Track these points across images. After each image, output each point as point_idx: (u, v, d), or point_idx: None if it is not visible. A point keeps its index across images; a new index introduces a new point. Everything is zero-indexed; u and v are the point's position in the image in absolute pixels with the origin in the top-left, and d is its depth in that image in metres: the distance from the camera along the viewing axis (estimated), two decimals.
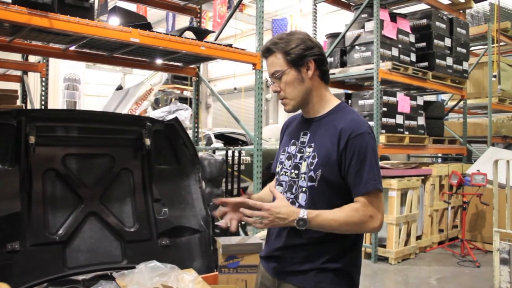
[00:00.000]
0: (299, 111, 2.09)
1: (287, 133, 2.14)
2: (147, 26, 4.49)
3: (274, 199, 1.90)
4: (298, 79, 1.92)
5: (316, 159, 1.88)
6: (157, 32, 4.56)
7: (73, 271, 3.04)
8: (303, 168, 1.92)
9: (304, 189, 1.90)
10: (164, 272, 2.88)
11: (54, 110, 3.48)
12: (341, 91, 7.75)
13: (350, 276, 1.92)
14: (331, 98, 2.02)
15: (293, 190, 1.94)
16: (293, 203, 1.92)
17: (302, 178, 1.91)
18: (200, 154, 3.87)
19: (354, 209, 1.81)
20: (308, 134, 1.98)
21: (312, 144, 1.93)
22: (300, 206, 1.88)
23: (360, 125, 1.87)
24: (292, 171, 1.97)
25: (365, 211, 1.81)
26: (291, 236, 1.90)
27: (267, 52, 1.97)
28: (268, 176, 9.01)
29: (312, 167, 1.88)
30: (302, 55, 1.91)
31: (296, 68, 1.92)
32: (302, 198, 1.91)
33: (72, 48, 5.10)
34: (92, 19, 4.09)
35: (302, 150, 1.96)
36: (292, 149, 2.02)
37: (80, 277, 3.09)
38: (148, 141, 3.30)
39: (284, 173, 2.01)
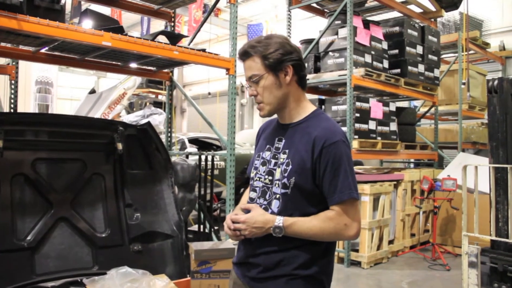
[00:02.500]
0: (275, 116, 2.09)
1: (262, 138, 2.11)
2: (119, 30, 4.45)
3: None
4: (275, 84, 1.89)
5: (290, 166, 1.86)
6: (129, 36, 4.52)
7: (41, 278, 2.99)
8: (277, 174, 1.91)
9: (277, 195, 1.89)
10: (136, 278, 2.85)
11: (23, 113, 3.41)
12: (315, 96, 7.81)
13: (321, 284, 1.92)
14: (307, 105, 2.00)
15: (267, 197, 1.93)
16: (266, 209, 1.91)
17: (276, 185, 1.90)
18: (173, 159, 3.84)
19: (329, 217, 1.82)
20: (283, 140, 1.96)
21: (287, 151, 1.91)
22: (272, 213, 1.88)
23: (334, 134, 1.85)
24: (266, 177, 1.95)
25: (340, 220, 1.81)
26: (262, 243, 1.89)
27: (244, 55, 1.91)
28: (242, 181, 9.03)
29: (285, 174, 1.87)
30: (281, 60, 1.87)
31: (274, 73, 1.88)
32: (275, 204, 1.89)
33: (43, 50, 5.02)
34: (63, 22, 4.03)
35: (276, 156, 1.95)
36: (266, 154, 2.00)
37: (49, 284, 3.04)
38: (120, 146, 3.27)
39: (258, 179, 2.00)
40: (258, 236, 1.86)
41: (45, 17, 3.86)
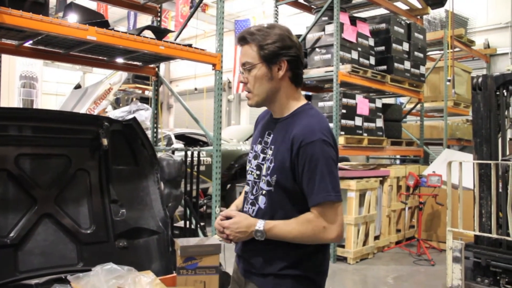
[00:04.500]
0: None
1: (257, 129, 2.07)
2: (104, 24, 4.40)
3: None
4: (267, 76, 1.84)
5: (273, 164, 1.84)
6: (114, 30, 4.48)
7: (25, 275, 2.95)
8: (264, 170, 1.89)
9: (264, 192, 1.87)
10: (121, 274, 2.82)
11: (5, 108, 3.36)
12: (302, 93, 7.81)
13: (313, 282, 1.89)
14: (298, 100, 1.96)
15: (254, 191, 1.92)
16: (253, 204, 1.90)
17: (263, 181, 1.88)
18: (159, 154, 3.82)
19: (307, 220, 1.78)
20: (272, 135, 1.92)
21: (272, 147, 1.88)
22: (259, 208, 1.87)
23: (313, 132, 1.78)
24: (255, 171, 1.94)
25: (318, 223, 1.76)
26: (251, 239, 1.86)
27: (242, 40, 1.87)
28: (229, 177, 9.01)
29: (269, 172, 1.85)
30: (277, 53, 1.82)
31: (267, 65, 1.83)
32: (261, 200, 1.88)
33: (27, 44, 4.95)
34: (46, 15, 3.97)
35: (265, 151, 1.92)
36: (258, 148, 1.97)
37: (33, 281, 3.00)
38: (105, 141, 3.23)
39: (250, 172, 1.98)
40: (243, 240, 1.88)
41: (29, 10, 3.80)
